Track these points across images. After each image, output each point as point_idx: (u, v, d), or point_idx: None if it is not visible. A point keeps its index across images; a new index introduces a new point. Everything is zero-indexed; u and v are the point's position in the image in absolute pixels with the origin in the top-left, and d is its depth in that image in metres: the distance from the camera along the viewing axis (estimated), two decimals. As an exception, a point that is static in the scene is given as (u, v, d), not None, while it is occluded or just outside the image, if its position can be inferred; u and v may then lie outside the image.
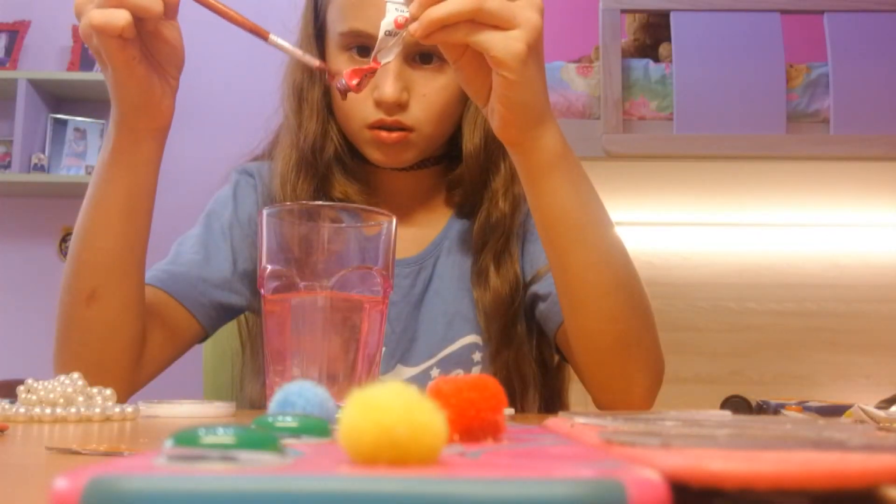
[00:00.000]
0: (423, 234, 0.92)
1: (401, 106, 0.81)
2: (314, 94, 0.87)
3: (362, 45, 0.82)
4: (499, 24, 0.59)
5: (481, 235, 0.87)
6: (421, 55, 0.81)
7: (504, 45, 0.59)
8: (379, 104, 0.81)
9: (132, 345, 0.74)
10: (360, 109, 0.82)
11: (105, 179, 0.70)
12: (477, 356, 0.87)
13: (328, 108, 0.88)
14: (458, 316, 0.88)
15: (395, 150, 0.83)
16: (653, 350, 0.76)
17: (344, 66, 0.80)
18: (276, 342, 0.59)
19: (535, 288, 0.86)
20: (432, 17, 0.58)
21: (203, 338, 0.85)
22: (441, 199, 0.93)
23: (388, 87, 0.79)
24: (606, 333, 0.73)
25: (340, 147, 0.87)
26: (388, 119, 0.81)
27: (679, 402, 2.25)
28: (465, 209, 0.90)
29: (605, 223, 0.72)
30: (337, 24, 0.83)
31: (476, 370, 0.87)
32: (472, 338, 0.87)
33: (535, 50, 0.61)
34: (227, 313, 0.87)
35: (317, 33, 0.88)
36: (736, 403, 0.50)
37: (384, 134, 0.82)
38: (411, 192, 0.92)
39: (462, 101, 0.86)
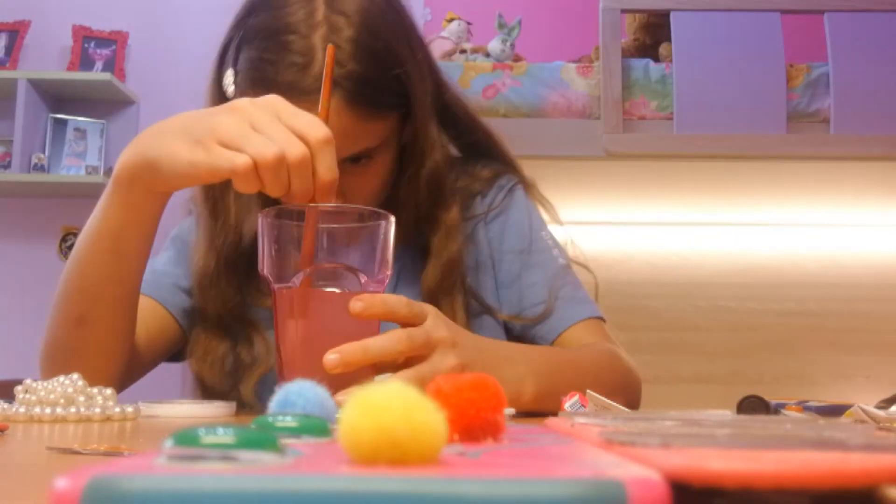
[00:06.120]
0: None
1: None
2: (229, 197, 0.82)
3: None
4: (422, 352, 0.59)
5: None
6: (351, 158, 0.75)
7: (436, 368, 0.59)
8: None
9: (118, 365, 0.75)
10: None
11: (102, 214, 0.69)
12: None
13: (258, 194, 0.83)
14: None
15: None
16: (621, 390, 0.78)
17: None
18: (283, 339, 0.59)
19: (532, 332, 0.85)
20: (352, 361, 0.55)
21: (182, 337, 0.85)
22: None
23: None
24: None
25: None
26: None
27: (679, 402, 2.25)
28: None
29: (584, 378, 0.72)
30: None
31: None
32: None
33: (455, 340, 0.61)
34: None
35: None
36: (753, 404, 0.50)
37: None
38: None
39: (397, 167, 0.82)
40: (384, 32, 0.75)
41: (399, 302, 0.59)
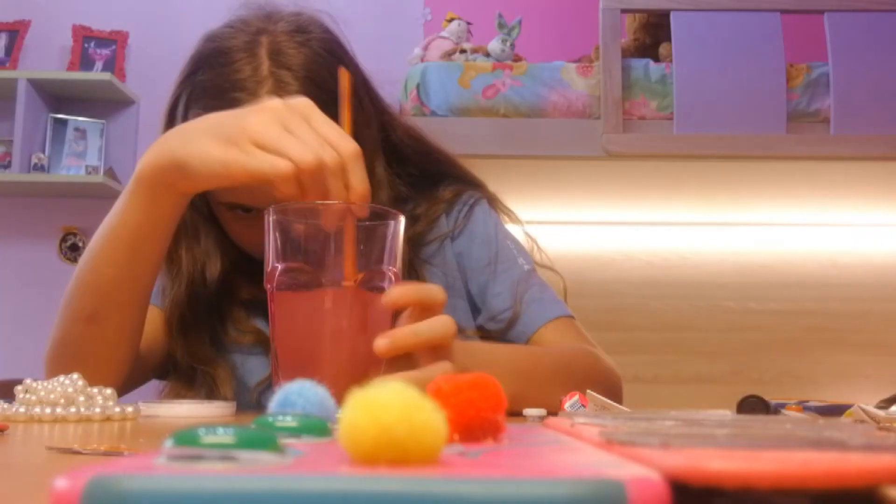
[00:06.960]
0: None
1: None
2: (181, 248, 0.82)
3: (246, 207, 0.76)
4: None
5: None
6: None
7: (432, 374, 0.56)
8: None
9: (125, 365, 0.75)
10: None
11: (121, 212, 0.69)
12: None
13: (215, 242, 0.83)
14: None
15: None
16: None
17: (227, 222, 0.79)
18: (281, 340, 0.59)
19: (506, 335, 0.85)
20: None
21: None
22: None
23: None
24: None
25: (229, 257, 0.82)
26: None
27: (679, 402, 2.25)
28: None
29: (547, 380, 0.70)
30: None
31: None
32: None
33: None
34: None
35: None
36: (753, 404, 0.50)
37: None
38: None
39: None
40: (330, 84, 0.73)
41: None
